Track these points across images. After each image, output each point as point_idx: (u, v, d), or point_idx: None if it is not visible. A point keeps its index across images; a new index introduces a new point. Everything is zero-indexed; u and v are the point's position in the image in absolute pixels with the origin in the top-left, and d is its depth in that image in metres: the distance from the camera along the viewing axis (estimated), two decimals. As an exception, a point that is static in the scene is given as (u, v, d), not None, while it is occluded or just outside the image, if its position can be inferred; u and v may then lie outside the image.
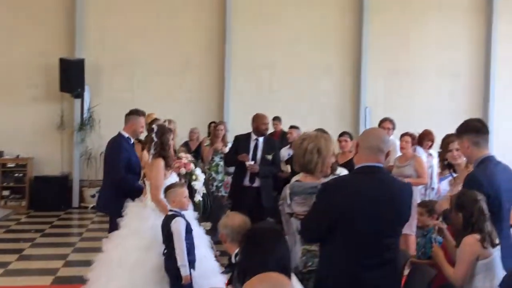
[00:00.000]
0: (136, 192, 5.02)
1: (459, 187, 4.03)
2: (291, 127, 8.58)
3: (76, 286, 5.60)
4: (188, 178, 5.09)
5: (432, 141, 7.77)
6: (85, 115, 11.44)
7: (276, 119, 10.54)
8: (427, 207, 4.68)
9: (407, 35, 12.38)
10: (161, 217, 4.47)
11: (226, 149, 8.05)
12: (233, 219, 3.57)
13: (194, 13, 11.91)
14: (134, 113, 5.74)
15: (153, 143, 4.79)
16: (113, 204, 5.16)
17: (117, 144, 5.56)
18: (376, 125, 8.30)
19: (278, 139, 9.97)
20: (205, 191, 5.32)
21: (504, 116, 12.51)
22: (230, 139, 8.08)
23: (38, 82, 11.45)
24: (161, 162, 4.70)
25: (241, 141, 7.00)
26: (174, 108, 11.04)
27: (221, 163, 8.31)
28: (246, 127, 7.28)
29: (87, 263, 7.00)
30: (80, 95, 11.24)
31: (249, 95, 11.98)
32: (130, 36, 11.67)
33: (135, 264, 4.33)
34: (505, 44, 12.51)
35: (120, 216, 4.79)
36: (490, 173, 3.60)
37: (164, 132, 4.84)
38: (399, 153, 7.19)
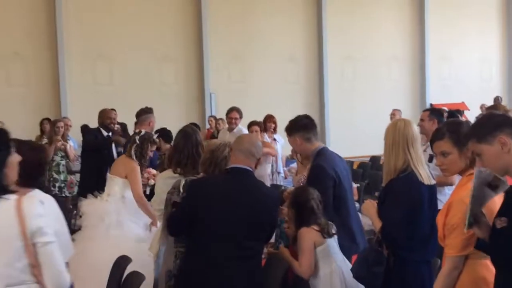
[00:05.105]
0: None
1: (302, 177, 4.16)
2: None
3: None
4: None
5: (275, 123, 8.07)
6: None
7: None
8: None
9: (247, 21, 12.54)
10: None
11: (68, 147, 7.86)
12: None
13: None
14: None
15: (134, 145, 4.91)
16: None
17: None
18: (222, 110, 8.33)
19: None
20: None
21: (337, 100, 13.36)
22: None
23: None
24: (138, 168, 4.88)
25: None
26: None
27: (63, 162, 7.95)
28: (87, 122, 6.90)
29: None
30: None
31: (87, 88, 11.27)
32: None
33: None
34: (334, 25, 13.25)
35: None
36: (330, 160, 3.81)
37: (147, 141, 4.99)
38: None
